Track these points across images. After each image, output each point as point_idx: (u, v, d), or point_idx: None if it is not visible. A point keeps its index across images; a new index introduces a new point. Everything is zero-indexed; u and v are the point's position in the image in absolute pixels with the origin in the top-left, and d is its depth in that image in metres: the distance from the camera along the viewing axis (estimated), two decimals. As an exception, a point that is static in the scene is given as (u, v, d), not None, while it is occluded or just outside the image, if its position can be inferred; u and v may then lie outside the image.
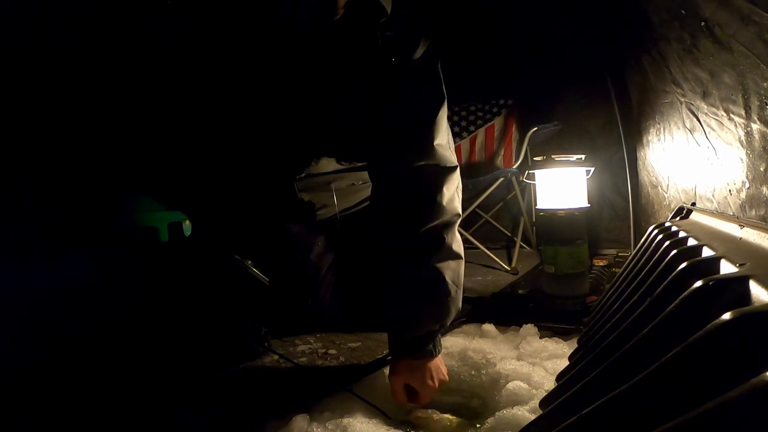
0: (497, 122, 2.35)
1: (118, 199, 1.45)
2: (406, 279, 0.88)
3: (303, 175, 1.18)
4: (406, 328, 0.87)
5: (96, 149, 1.57)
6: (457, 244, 0.90)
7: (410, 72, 0.93)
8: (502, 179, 2.13)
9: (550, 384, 0.85)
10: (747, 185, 0.73)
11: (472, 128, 2.42)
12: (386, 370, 0.99)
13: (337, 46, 0.92)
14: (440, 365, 0.88)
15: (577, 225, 1.34)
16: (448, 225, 0.89)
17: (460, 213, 0.92)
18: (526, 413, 0.76)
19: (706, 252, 0.60)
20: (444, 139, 0.93)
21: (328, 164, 1.22)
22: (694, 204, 1.03)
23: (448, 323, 0.90)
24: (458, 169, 0.94)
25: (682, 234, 0.75)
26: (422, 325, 0.86)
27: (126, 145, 1.41)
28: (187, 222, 1.23)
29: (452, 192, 0.91)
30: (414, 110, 0.92)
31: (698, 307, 0.44)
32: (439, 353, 0.88)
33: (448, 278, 0.86)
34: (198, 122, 1.13)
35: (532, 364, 0.95)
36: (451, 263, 0.87)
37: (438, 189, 0.88)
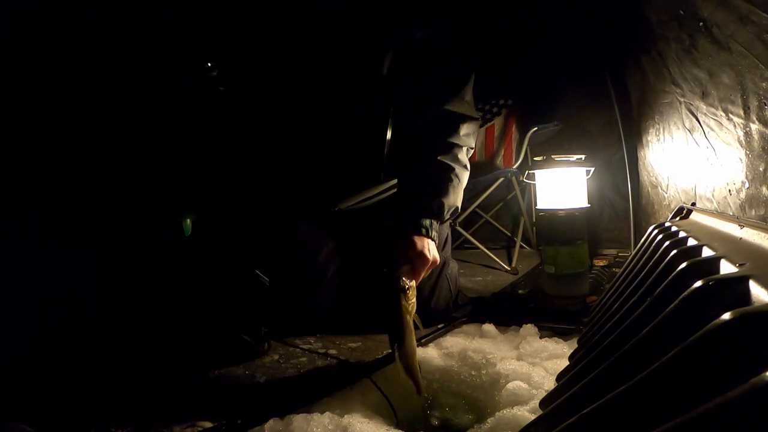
0: (497, 122, 2.35)
1: (119, 199, 1.46)
2: (416, 172, 1.08)
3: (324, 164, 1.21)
4: (409, 208, 1.04)
5: (96, 150, 1.57)
6: (465, 163, 1.12)
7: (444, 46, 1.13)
8: (502, 179, 2.13)
9: (550, 384, 0.85)
10: (746, 185, 0.73)
11: (472, 128, 2.41)
12: (386, 371, 0.99)
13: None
14: (433, 248, 1.00)
15: (577, 225, 1.34)
16: (461, 148, 1.12)
17: (473, 147, 1.16)
18: (526, 413, 0.76)
19: (706, 252, 0.61)
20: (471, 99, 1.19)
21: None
22: (694, 204, 1.03)
23: (445, 212, 1.05)
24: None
25: (682, 234, 0.75)
26: (424, 203, 1.03)
27: (128, 146, 1.41)
28: (188, 221, 1.23)
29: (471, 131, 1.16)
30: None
31: (698, 307, 0.44)
32: (433, 238, 1.01)
33: (455, 168, 1.08)
34: (215, 120, 1.18)
35: (532, 364, 0.95)
36: (458, 167, 1.09)
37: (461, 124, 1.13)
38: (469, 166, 1.14)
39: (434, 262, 0.98)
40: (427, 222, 1.00)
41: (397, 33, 1.11)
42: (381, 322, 1.12)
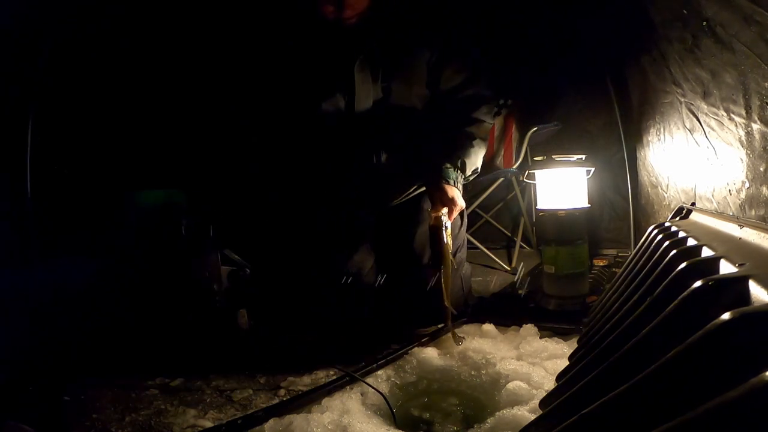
0: (497, 122, 2.34)
1: (119, 198, 1.45)
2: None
3: (387, 153, 1.31)
4: (440, 162, 1.23)
5: (99, 149, 1.57)
6: (484, 136, 1.33)
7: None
8: (502, 179, 2.13)
9: (550, 384, 0.85)
10: (747, 185, 0.73)
11: (472, 128, 2.41)
12: (387, 370, 1.00)
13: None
14: (459, 195, 1.20)
15: (577, 225, 1.34)
16: (482, 122, 1.33)
17: (492, 123, 1.38)
18: (526, 413, 0.76)
19: (706, 252, 0.60)
20: None
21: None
22: (693, 204, 1.03)
23: (468, 169, 1.25)
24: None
25: (681, 234, 0.75)
26: (452, 160, 1.23)
27: (146, 144, 1.44)
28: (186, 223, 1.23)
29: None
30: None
31: (698, 307, 0.44)
32: (456, 186, 1.21)
33: (476, 137, 1.28)
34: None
35: (532, 364, 0.95)
36: (478, 137, 1.30)
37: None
38: (487, 140, 1.35)
39: (461, 207, 1.21)
40: (453, 174, 1.21)
41: (434, 46, 1.26)
42: (407, 317, 1.28)
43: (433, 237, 1.14)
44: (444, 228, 1.12)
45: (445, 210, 1.16)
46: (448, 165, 1.23)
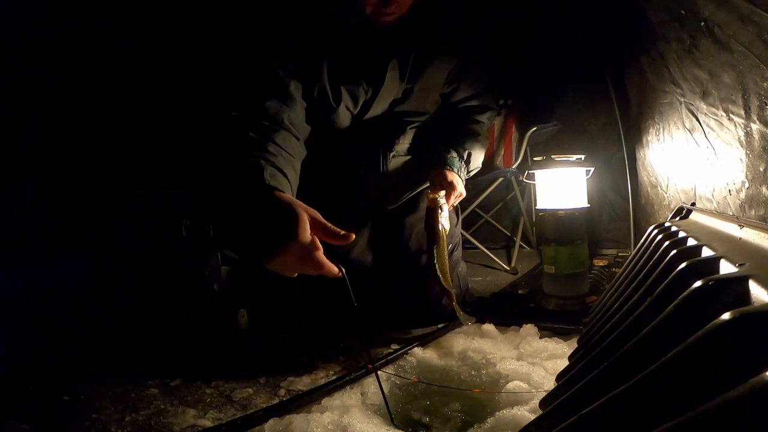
0: (497, 122, 2.34)
1: (120, 198, 1.45)
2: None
3: (393, 153, 1.30)
4: (444, 151, 1.26)
5: (99, 149, 1.57)
6: (486, 136, 1.39)
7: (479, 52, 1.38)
8: (501, 179, 2.13)
9: (550, 384, 0.85)
10: (746, 185, 0.73)
11: (472, 128, 2.41)
12: (387, 370, 1.00)
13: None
14: (460, 182, 1.23)
15: (577, 225, 1.34)
16: (484, 124, 1.37)
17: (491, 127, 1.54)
18: (526, 413, 0.76)
19: (706, 252, 0.60)
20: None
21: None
22: (693, 204, 1.03)
23: (471, 162, 1.28)
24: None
25: (681, 234, 0.75)
26: (457, 150, 1.27)
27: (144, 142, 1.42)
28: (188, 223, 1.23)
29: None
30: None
31: (698, 307, 0.44)
32: (459, 174, 1.24)
33: (480, 133, 1.33)
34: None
35: (532, 364, 0.95)
36: (482, 136, 1.34)
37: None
38: (488, 142, 1.42)
39: (461, 193, 1.24)
40: (458, 164, 1.24)
41: (457, 56, 1.25)
42: (405, 318, 1.29)
43: (428, 218, 1.16)
44: (440, 210, 1.14)
45: (442, 192, 1.17)
46: (454, 154, 1.25)
